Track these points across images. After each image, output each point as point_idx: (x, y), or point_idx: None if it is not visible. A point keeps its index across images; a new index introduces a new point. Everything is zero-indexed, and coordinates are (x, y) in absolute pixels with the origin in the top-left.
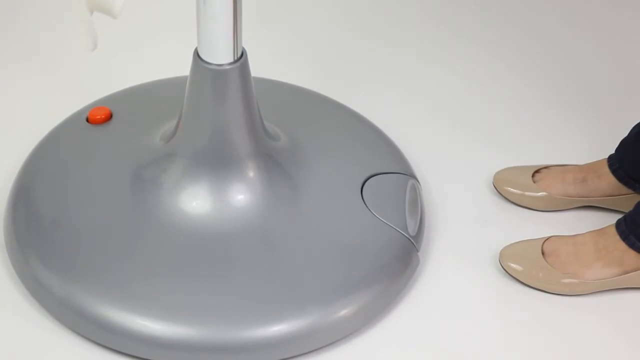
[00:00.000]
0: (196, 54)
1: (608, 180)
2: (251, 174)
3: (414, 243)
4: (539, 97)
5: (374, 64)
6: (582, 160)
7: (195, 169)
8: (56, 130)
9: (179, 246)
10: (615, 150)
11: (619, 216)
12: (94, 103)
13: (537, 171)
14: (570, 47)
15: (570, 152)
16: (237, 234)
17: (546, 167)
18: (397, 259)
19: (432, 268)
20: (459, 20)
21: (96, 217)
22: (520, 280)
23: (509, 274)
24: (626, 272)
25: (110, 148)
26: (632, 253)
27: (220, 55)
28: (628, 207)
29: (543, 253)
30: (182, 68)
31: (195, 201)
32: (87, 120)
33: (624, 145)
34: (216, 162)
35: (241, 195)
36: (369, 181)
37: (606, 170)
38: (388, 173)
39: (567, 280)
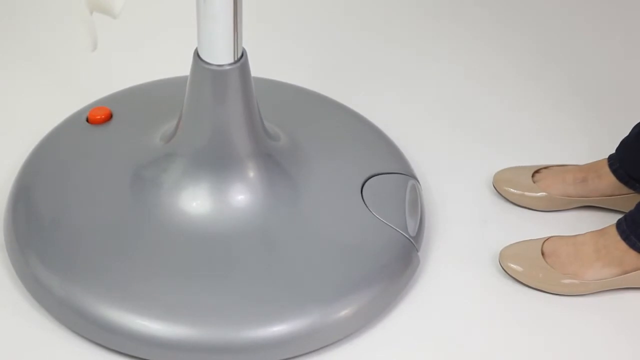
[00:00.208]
0: (196, 55)
1: (608, 180)
2: (251, 174)
3: (414, 243)
4: (539, 97)
5: (374, 64)
6: (582, 160)
7: (195, 169)
8: (56, 130)
9: (179, 246)
10: (616, 150)
11: (619, 216)
12: (94, 103)
13: (537, 171)
14: (570, 47)
15: (570, 152)
16: (237, 234)
17: (546, 167)
18: (397, 259)
19: (432, 268)
20: (459, 20)
21: (96, 217)
22: (520, 280)
23: (508, 274)
24: (626, 272)
25: (110, 148)
26: (632, 253)
27: (221, 55)
28: (628, 207)
29: (543, 253)
30: (182, 68)
31: (195, 201)
32: (87, 120)
33: (624, 145)
34: (216, 162)
35: (241, 196)
36: (369, 181)
37: (606, 170)
38: (388, 173)
39: (567, 281)
